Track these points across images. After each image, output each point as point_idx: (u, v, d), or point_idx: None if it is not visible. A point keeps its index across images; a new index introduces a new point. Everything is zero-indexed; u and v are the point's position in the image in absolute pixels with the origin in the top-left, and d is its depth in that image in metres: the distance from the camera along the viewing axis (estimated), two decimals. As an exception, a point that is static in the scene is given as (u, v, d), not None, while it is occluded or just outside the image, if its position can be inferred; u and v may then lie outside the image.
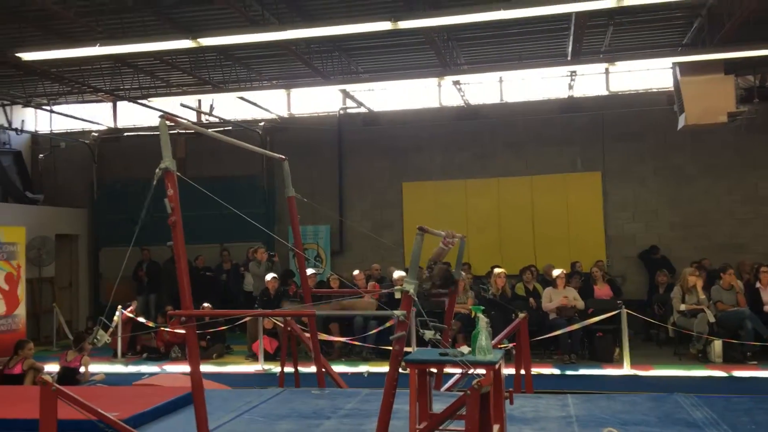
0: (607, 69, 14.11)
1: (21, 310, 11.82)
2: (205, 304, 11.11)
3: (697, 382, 8.72)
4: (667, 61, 12.18)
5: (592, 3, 8.00)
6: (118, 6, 9.42)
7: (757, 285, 10.58)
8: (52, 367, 9.48)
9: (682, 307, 10.32)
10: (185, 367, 9.58)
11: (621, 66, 13.19)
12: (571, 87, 14.06)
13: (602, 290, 11.28)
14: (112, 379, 9.48)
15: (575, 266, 12.98)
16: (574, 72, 13.51)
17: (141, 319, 11.88)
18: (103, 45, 9.14)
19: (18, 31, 10.27)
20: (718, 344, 9.92)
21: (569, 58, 11.75)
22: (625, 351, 9.64)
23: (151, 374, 9.88)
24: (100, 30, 9.41)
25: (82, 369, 9.15)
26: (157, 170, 4.62)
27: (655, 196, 14.01)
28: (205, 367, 8.30)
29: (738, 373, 9.26)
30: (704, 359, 10.05)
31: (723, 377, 9.17)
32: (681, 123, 11.84)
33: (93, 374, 9.43)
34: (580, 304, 10.73)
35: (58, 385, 4.71)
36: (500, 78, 14.76)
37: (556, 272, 11.06)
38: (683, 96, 11.53)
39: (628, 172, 14.10)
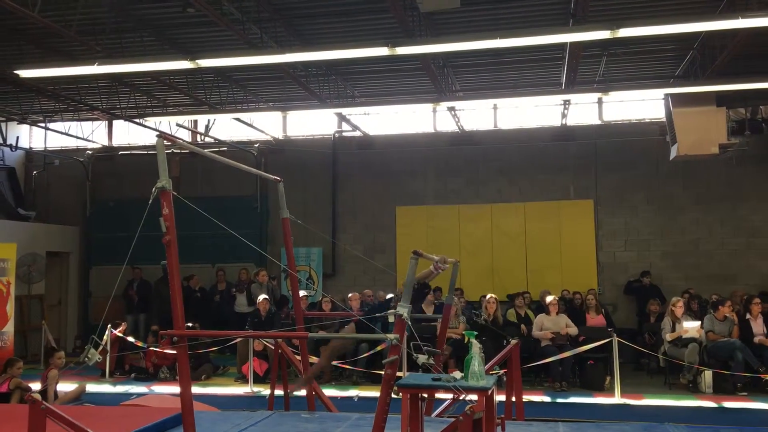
0: (600, 98, 14.27)
1: (9, 328, 11.71)
2: (189, 324, 11.02)
3: (687, 412, 8.70)
4: (660, 92, 12.33)
5: (587, 34, 8.12)
6: (118, 25, 9.49)
7: (748, 316, 10.62)
8: (37, 386, 9.37)
9: (668, 337, 10.34)
10: (173, 388, 9.51)
11: (614, 96, 13.34)
12: (564, 115, 14.18)
13: (595, 319, 11.26)
14: (99, 399, 9.38)
15: (573, 295, 12.88)
16: (568, 101, 13.66)
17: (131, 339, 11.78)
18: (101, 64, 9.18)
19: (17, 48, 10.32)
20: (708, 374, 9.93)
21: (563, 87, 11.87)
22: (616, 380, 9.63)
23: (139, 395, 9.78)
24: (99, 49, 9.44)
25: (58, 386, 9.00)
26: (154, 189, 4.63)
27: (647, 225, 14.09)
28: (194, 389, 8.25)
29: (728, 404, 9.24)
30: (694, 389, 10.04)
31: (713, 408, 9.16)
32: (673, 153, 11.95)
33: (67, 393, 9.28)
34: (573, 330, 10.71)
35: (47, 404, 4.67)
36: (494, 105, 14.88)
37: (549, 298, 11.09)
38: (675, 127, 11.65)
39: (621, 201, 14.19)
